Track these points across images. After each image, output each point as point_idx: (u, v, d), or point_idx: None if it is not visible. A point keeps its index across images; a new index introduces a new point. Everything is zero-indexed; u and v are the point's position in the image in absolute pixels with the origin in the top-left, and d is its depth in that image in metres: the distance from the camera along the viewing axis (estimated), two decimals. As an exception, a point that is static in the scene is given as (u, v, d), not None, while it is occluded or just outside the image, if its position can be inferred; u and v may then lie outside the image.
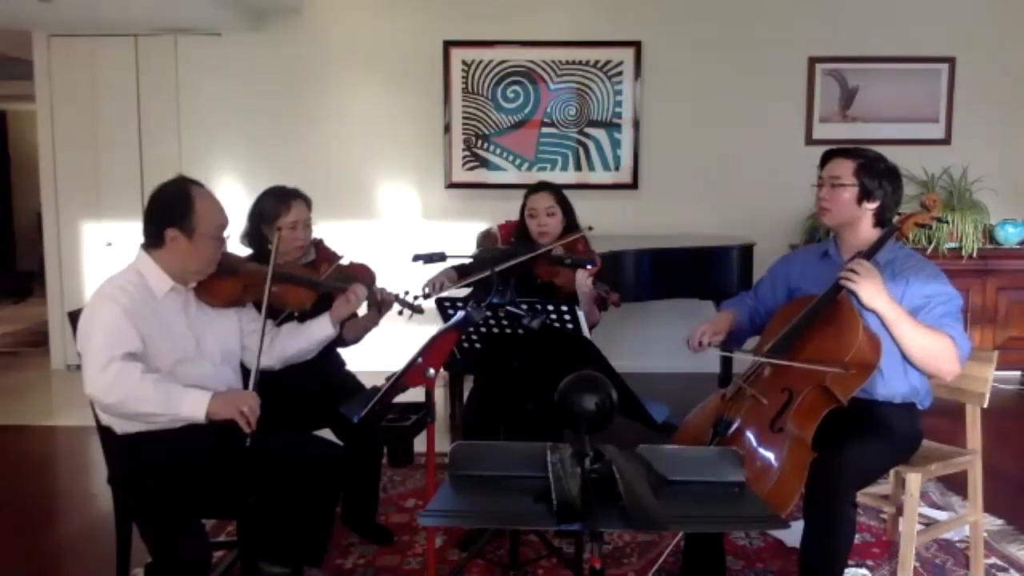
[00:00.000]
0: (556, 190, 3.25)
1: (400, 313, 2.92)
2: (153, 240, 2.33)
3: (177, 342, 2.33)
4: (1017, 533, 3.14)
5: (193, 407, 2.20)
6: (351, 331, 2.91)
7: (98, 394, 2.17)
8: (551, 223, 3.19)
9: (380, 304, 2.85)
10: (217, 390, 2.30)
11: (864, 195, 2.44)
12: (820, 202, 2.52)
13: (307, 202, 2.98)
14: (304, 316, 2.71)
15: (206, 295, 2.44)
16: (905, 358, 2.35)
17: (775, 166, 5.53)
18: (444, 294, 2.90)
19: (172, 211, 2.30)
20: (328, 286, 2.73)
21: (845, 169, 2.45)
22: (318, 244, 3.10)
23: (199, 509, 2.25)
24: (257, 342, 2.51)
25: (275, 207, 2.91)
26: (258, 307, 2.59)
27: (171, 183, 2.37)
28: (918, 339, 2.28)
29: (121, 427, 2.28)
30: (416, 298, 2.93)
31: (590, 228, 3.26)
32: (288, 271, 2.70)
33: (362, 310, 3.03)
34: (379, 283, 3.03)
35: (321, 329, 2.64)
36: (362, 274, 3.05)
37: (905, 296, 2.35)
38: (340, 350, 3.07)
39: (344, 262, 3.04)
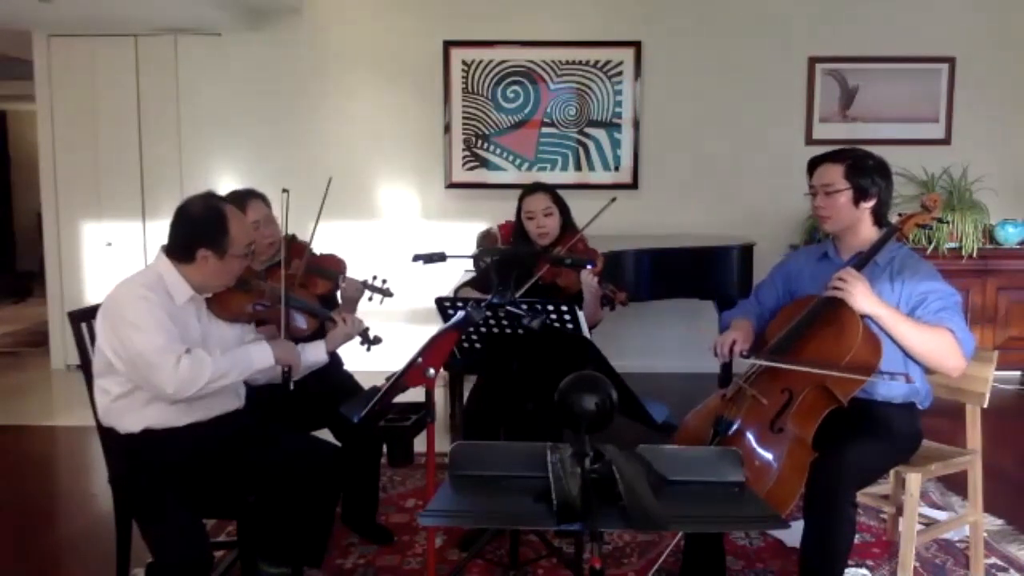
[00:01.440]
0: (551, 190, 3.25)
1: (370, 299, 2.92)
2: (182, 255, 2.34)
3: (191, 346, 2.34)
4: (1017, 533, 3.14)
5: (263, 358, 2.39)
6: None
7: (183, 390, 2.20)
8: (549, 223, 3.19)
9: (367, 333, 2.79)
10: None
11: (860, 196, 2.43)
12: (818, 211, 2.50)
13: (264, 200, 2.96)
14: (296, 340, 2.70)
15: (216, 307, 2.46)
16: (909, 358, 2.34)
17: (775, 166, 5.54)
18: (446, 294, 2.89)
19: (207, 232, 2.32)
20: (327, 315, 2.71)
21: (835, 174, 2.44)
22: (291, 240, 3.04)
23: (199, 509, 2.25)
24: None
25: None
26: (258, 324, 2.64)
27: (202, 201, 2.38)
28: (916, 336, 2.27)
29: (126, 426, 2.28)
30: (384, 282, 2.94)
31: (613, 199, 3.20)
32: (297, 297, 2.70)
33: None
34: (350, 275, 3.03)
35: (314, 353, 2.61)
36: (332, 264, 3.04)
37: (903, 295, 2.36)
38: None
39: (315, 252, 3.03)
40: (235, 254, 2.35)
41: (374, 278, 2.96)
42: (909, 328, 2.28)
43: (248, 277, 2.56)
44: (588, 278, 2.91)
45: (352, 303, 2.99)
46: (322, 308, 2.74)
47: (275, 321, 2.58)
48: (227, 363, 2.29)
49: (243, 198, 2.92)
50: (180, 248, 2.34)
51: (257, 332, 2.64)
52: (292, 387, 2.45)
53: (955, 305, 2.34)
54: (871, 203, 2.44)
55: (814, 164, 2.53)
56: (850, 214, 2.45)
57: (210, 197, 2.41)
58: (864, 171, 2.43)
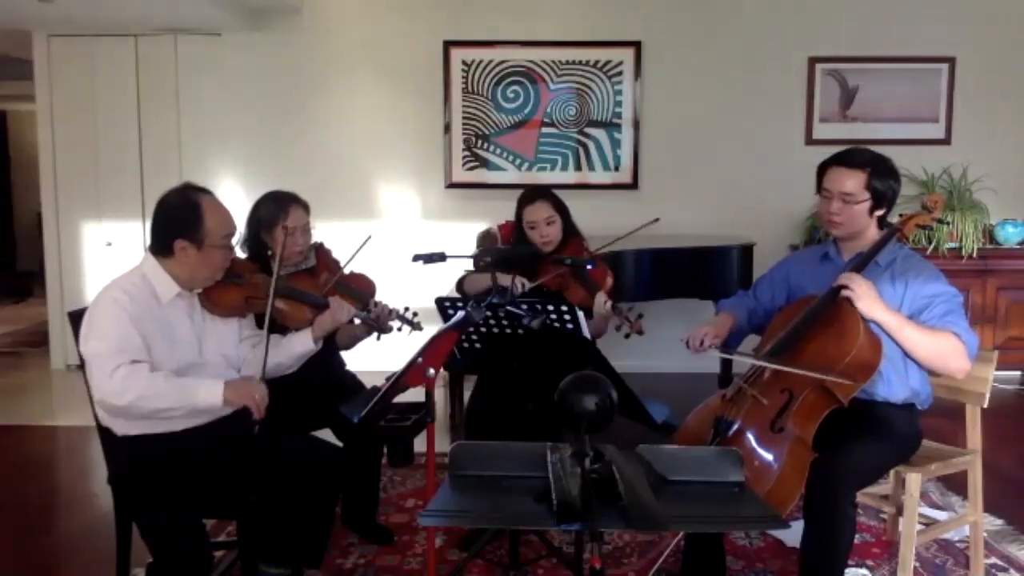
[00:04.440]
0: (550, 196, 3.16)
1: (399, 329, 2.86)
2: (162, 249, 2.32)
3: (179, 347, 2.32)
4: (1017, 533, 3.14)
5: (209, 396, 2.22)
6: (342, 337, 2.90)
7: (110, 399, 2.15)
8: (552, 232, 3.11)
9: (377, 319, 2.78)
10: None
11: (877, 204, 2.40)
12: (830, 216, 2.44)
13: (305, 207, 2.93)
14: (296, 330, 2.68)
15: (209, 302, 2.43)
16: (912, 361, 2.34)
17: (775, 166, 5.54)
18: (446, 294, 2.89)
19: (181, 222, 2.29)
20: (320, 303, 2.66)
21: (855, 183, 2.38)
22: (318, 248, 3.06)
23: (199, 509, 2.25)
24: (248, 351, 2.53)
25: (273, 213, 2.87)
26: (259, 319, 2.58)
27: (178, 192, 2.35)
28: (922, 341, 2.27)
29: (122, 429, 2.28)
30: (415, 315, 2.88)
31: (656, 220, 3.31)
32: (293, 287, 2.67)
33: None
34: (378, 295, 2.98)
35: (301, 344, 2.56)
36: (362, 285, 3.01)
37: (906, 298, 2.35)
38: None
39: (345, 271, 3.02)
40: (213, 244, 2.31)
41: (406, 309, 2.88)
42: (914, 333, 2.27)
43: (241, 271, 2.55)
44: (601, 304, 2.83)
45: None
46: (314, 296, 2.69)
47: (278, 314, 2.54)
48: (165, 387, 2.17)
49: (286, 202, 2.88)
50: (160, 242, 2.32)
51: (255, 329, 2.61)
52: (256, 430, 2.28)
53: (959, 307, 2.34)
54: (883, 210, 2.43)
55: (827, 167, 2.45)
56: (863, 222, 2.42)
57: (186, 188, 2.37)
58: (884, 177, 2.39)
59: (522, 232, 3.18)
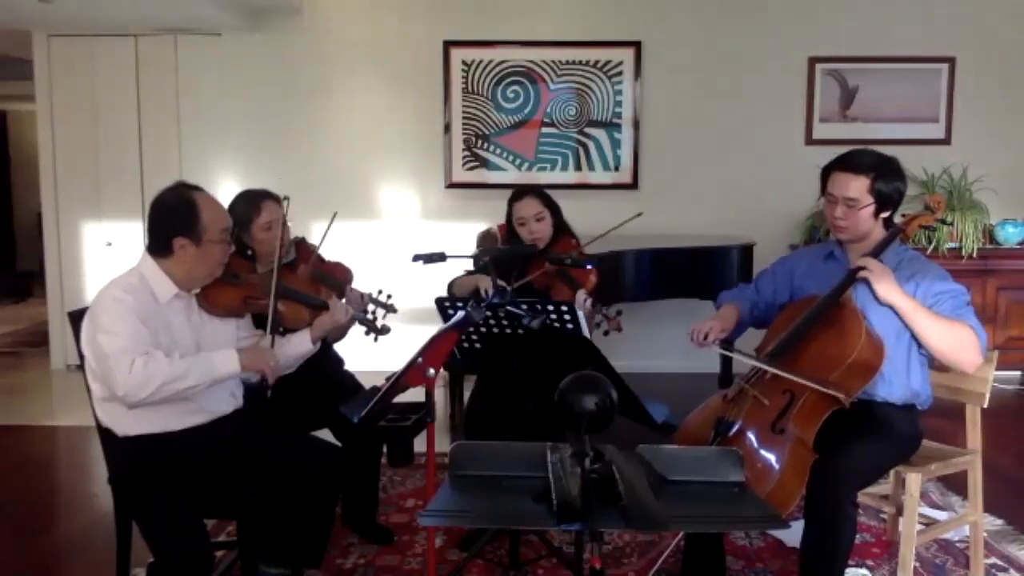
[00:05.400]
0: (540, 193, 3.18)
1: (373, 313, 2.85)
2: (160, 249, 2.32)
3: (177, 348, 2.32)
4: (1017, 533, 3.14)
5: (226, 364, 2.28)
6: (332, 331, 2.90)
7: (137, 393, 2.14)
8: (542, 228, 3.13)
9: (374, 319, 2.78)
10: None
11: (882, 207, 2.39)
12: (836, 221, 2.42)
13: (278, 201, 2.90)
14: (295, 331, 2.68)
15: (207, 302, 2.44)
16: (922, 354, 2.34)
17: (775, 166, 5.54)
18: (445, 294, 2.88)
19: (178, 220, 2.30)
20: (320, 303, 2.66)
21: (859, 189, 2.36)
22: (300, 243, 3.05)
23: (199, 509, 2.25)
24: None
25: (246, 211, 2.85)
26: (256, 320, 2.59)
27: (172, 191, 2.36)
28: (937, 329, 2.27)
29: (122, 429, 2.28)
30: (389, 297, 2.89)
31: (639, 214, 3.35)
32: (290, 287, 2.67)
33: None
34: (357, 284, 2.98)
35: (300, 345, 2.57)
36: (338, 272, 3.02)
37: (917, 296, 2.34)
38: (336, 348, 3.06)
39: (321, 258, 3.01)
40: (211, 240, 2.32)
41: (379, 292, 2.89)
42: (928, 320, 2.27)
43: (238, 271, 2.54)
44: (581, 302, 2.85)
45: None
46: (314, 297, 2.69)
47: (276, 315, 2.53)
48: (184, 366, 2.20)
49: (258, 198, 2.89)
50: (158, 242, 2.33)
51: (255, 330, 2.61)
52: (269, 394, 2.36)
53: (967, 304, 2.34)
54: (889, 211, 2.42)
55: (832, 171, 2.44)
56: (869, 225, 2.42)
57: (180, 187, 2.37)
58: (889, 180, 2.37)
59: (513, 230, 3.18)
